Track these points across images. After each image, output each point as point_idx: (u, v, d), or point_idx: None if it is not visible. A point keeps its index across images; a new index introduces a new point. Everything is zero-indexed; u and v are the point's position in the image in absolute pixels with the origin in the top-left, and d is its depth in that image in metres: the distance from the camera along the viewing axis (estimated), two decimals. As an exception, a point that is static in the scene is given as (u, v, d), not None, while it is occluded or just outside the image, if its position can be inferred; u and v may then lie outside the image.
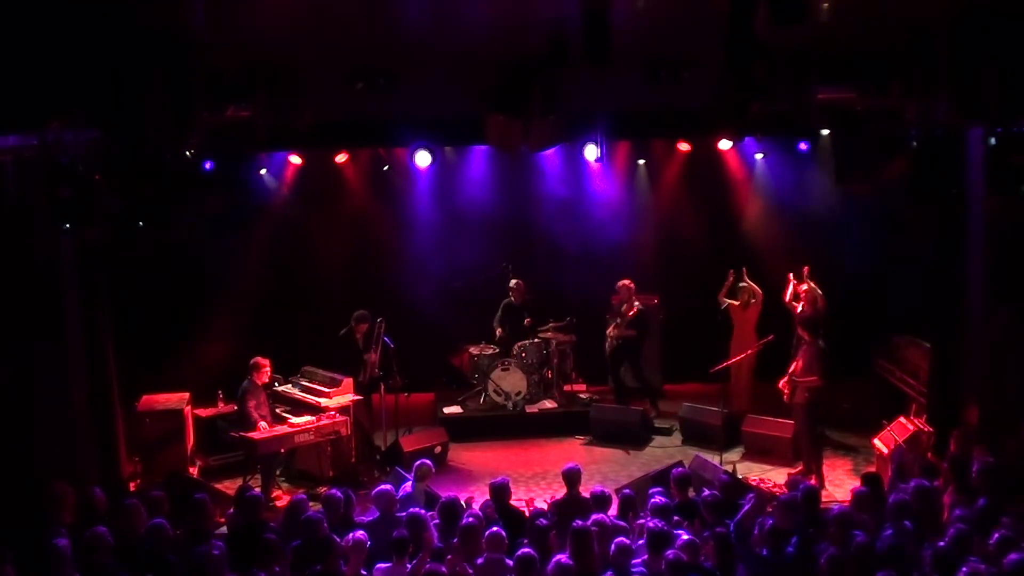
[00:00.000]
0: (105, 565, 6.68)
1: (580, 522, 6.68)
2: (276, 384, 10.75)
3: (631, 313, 12.53)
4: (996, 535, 6.40)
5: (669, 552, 6.28)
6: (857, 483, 8.40)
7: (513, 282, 12.76)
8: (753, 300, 12.01)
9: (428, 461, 8.62)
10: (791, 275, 11.58)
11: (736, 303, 12.06)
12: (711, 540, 6.82)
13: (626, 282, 12.68)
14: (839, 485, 10.17)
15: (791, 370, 10.29)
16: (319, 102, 8.68)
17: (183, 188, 8.44)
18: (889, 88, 8.65)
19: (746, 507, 7.15)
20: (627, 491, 8.03)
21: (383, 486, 7.87)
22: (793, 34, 6.67)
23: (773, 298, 11.98)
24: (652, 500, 7.30)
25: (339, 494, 7.62)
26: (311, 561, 6.53)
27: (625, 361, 12.81)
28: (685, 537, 6.59)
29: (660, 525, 6.63)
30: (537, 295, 13.01)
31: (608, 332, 12.86)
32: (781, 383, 10.36)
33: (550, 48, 7.59)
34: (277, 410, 10.52)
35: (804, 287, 11.38)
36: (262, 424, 10.01)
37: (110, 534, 6.81)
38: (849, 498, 7.80)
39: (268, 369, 10.32)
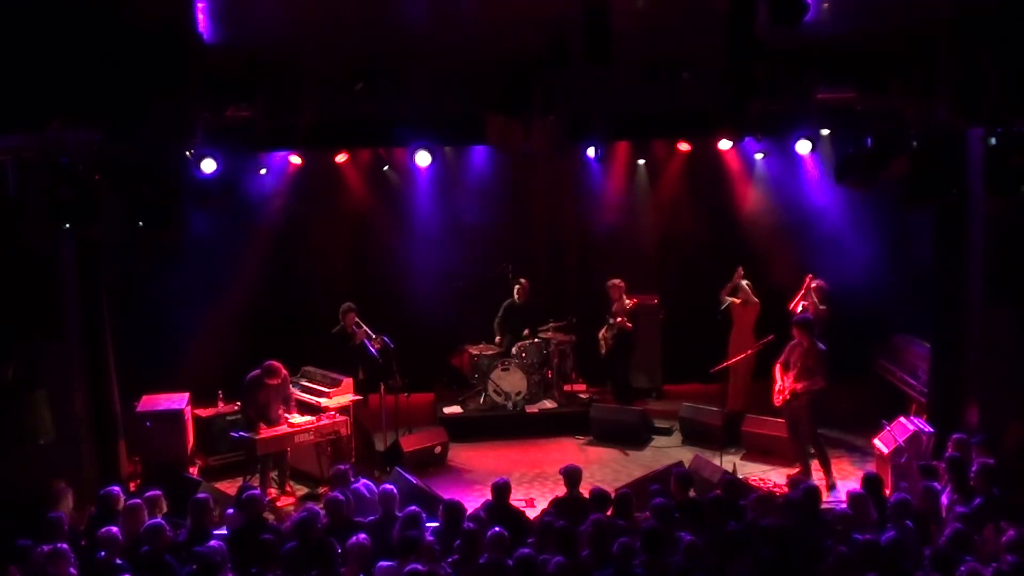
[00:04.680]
0: (114, 565, 6.68)
1: (563, 522, 6.70)
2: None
3: (630, 306, 12.55)
4: (1005, 536, 6.41)
5: (673, 557, 6.28)
6: (856, 483, 8.41)
7: (521, 280, 12.77)
8: (751, 301, 12.01)
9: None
10: (808, 277, 11.57)
11: (737, 301, 12.07)
12: (714, 540, 6.82)
13: (616, 281, 12.70)
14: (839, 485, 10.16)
15: (784, 374, 10.21)
16: (319, 102, 8.68)
17: (183, 188, 8.45)
18: (889, 88, 8.65)
19: (750, 509, 7.14)
20: (623, 491, 8.02)
21: (385, 486, 7.87)
22: (793, 34, 6.68)
23: (773, 297, 12.00)
24: (653, 500, 7.30)
25: (341, 496, 7.61)
26: (309, 564, 6.53)
27: (622, 358, 12.81)
28: (689, 539, 6.58)
29: (655, 525, 6.63)
30: (537, 296, 13.01)
31: (600, 335, 12.86)
32: (777, 389, 10.23)
33: (550, 48, 7.59)
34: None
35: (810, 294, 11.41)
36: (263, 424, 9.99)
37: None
38: (846, 499, 7.80)
39: (278, 380, 10.03)
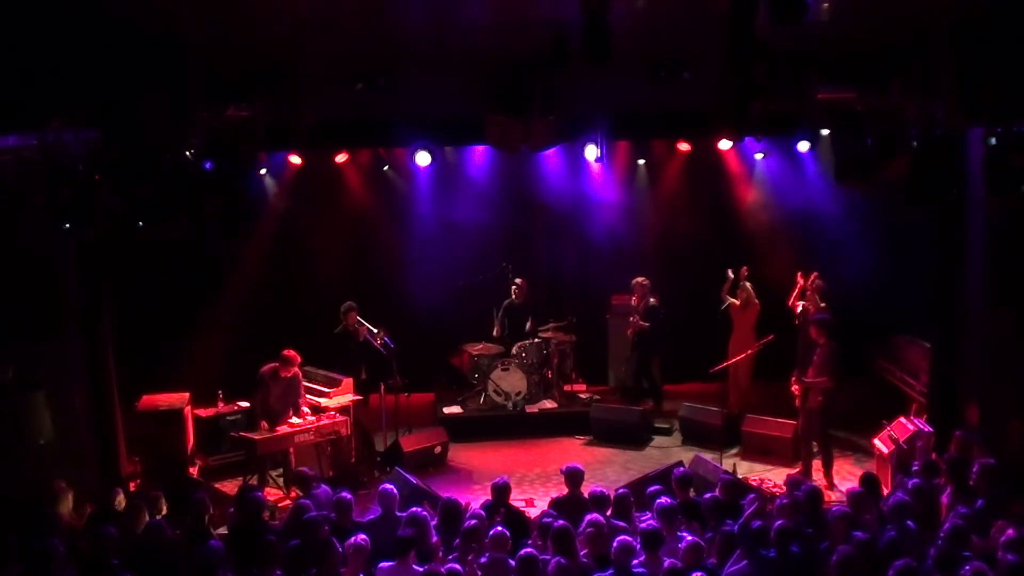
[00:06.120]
0: (112, 565, 6.68)
1: (563, 522, 6.69)
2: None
3: (641, 306, 12.58)
4: (1005, 535, 6.40)
5: (669, 560, 6.27)
6: (856, 483, 8.41)
7: (517, 281, 12.77)
8: (751, 303, 12.04)
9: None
10: (800, 275, 11.58)
11: (736, 302, 12.09)
12: (714, 540, 6.81)
13: (640, 279, 12.71)
14: (837, 485, 10.16)
15: (803, 373, 10.23)
16: (319, 102, 8.67)
17: (183, 188, 8.44)
18: (889, 88, 8.65)
19: (751, 508, 7.14)
20: (622, 491, 8.03)
21: (385, 485, 7.87)
22: (793, 34, 6.67)
23: (773, 297, 12.00)
24: (657, 501, 7.29)
25: (350, 496, 7.62)
26: (308, 563, 6.53)
27: (642, 356, 12.79)
28: (689, 538, 6.58)
29: (654, 526, 6.63)
30: (537, 295, 13.01)
31: (628, 332, 12.89)
32: (793, 386, 10.32)
33: (550, 48, 7.58)
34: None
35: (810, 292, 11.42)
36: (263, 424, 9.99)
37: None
38: (846, 499, 7.80)
39: (292, 372, 10.11)
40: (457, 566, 6.30)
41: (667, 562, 6.22)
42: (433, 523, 7.40)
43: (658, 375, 13.11)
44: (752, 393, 12.19)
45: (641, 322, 12.60)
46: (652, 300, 12.63)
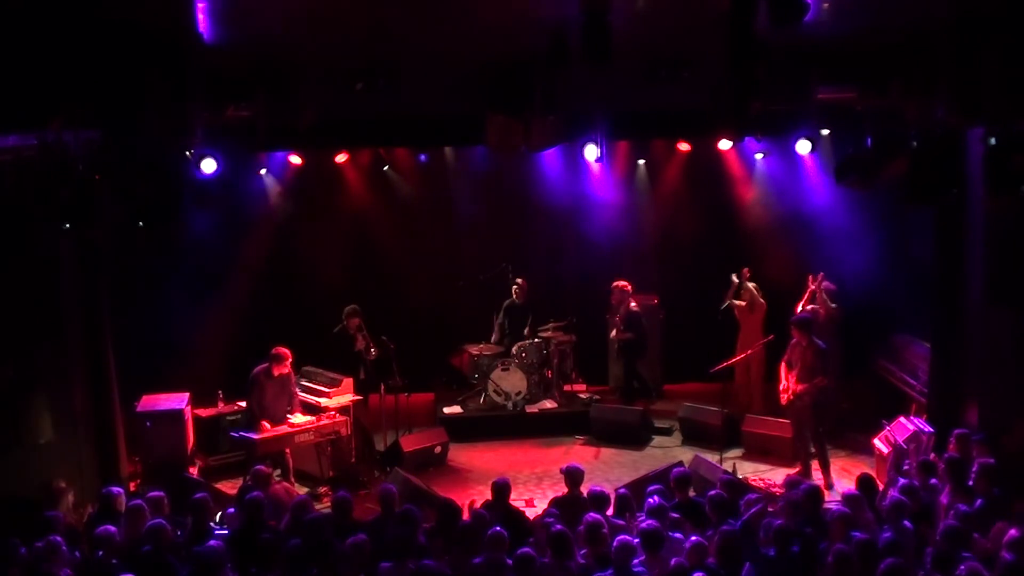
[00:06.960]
0: (112, 565, 6.68)
1: (560, 527, 6.69)
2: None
3: (622, 314, 12.57)
4: (1007, 535, 6.39)
5: (674, 559, 6.27)
6: (853, 484, 8.41)
7: (518, 280, 12.77)
8: (757, 303, 12.04)
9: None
10: (811, 279, 11.58)
11: (742, 304, 12.08)
12: (715, 539, 6.81)
13: (620, 283, 12.68)
14: (837, 484, 10.16)
15: (788, 373, 10.25)
16: (319, 102, 8.68)
17: (183, 188, 8.45)
18: (889, 88, 8.66)
19: (754, 508, 7.14)
20: (622, 491, 8.03)
21: (385, 485, 7.87)
22: (793, 34, 6.68)
23: (773, 296, 11.99)
24: (648, 501, 7.30)
25: (350, 496, 7.62)
26: (309, 563, 6.52)
27: (628, 361, 12.80)
28: (693, 538, 6.58)
29: (654, 525, 6.63)
30: (537, 295, 13.01)
31: (611, 336, 12.88)
32: (781, 387, 10.34)
33: (550, 48, 7.59)
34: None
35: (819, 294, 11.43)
36: (265, 423, 9.99)
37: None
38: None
39: (285, 369, 10.09)
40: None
41: (673, 561, 6.22)
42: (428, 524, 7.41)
43: (647, 374, 13.08)
44: (762, 393, 12.18)
45: (624, 333, 12.58)
46: (632, 305, 12.58)
